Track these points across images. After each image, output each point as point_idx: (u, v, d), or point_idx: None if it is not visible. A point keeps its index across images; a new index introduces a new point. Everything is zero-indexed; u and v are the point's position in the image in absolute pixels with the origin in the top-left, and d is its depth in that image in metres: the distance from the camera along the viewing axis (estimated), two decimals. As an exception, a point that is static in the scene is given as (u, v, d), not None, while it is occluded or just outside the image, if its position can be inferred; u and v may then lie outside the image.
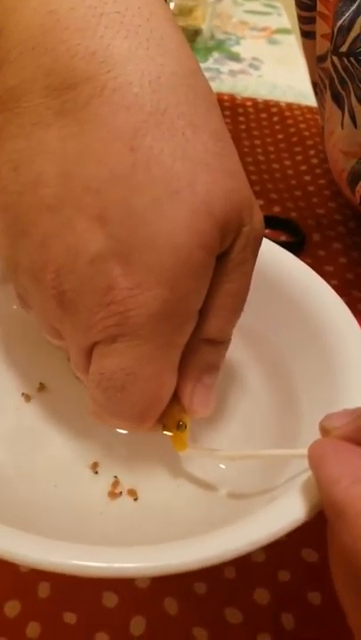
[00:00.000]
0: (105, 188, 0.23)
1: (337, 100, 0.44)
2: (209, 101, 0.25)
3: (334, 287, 0.33)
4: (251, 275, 0.27)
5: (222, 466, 0.30)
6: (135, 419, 0.27)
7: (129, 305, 0.24)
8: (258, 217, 0.26)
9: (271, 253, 0.33)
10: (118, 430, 0.30)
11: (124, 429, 0.29)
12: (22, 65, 0.25)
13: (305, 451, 0.23)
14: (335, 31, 0.40)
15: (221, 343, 0.27)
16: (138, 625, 0.28)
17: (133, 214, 0.23)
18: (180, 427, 0.28)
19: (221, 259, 0.25)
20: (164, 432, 0.28)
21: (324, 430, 0.24)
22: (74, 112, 0.24)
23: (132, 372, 0.25)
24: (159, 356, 0.25)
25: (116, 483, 0.29)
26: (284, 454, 0.27)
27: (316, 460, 0.22)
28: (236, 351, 0.28)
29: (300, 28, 0.51)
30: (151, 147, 0.23)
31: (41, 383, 0.33)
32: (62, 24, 0.24)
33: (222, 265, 0.26)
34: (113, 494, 0.29)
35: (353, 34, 0.39)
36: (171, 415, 0.27)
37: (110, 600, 0.29)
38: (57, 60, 0.24)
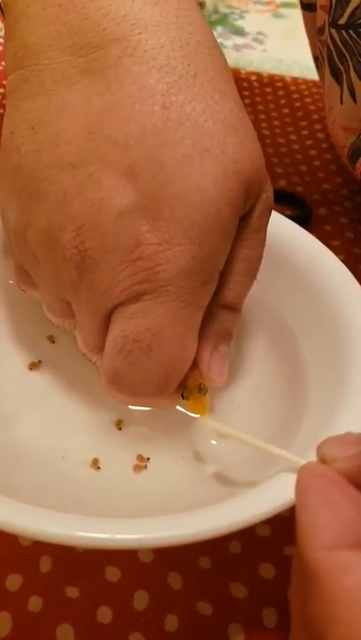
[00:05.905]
0: (135, 143, 0.23)
1: (336, 75, 0.43)
2: (228, 71, 0.26)
3: (341, 261, 0.32)
4: (265, 242, 0.27)
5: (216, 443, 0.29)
6: (158, 384, 0.26)
7: (157, 260, 0.23)
8: (271, 187, 0.27)
9: (278, 225, 0.33)
10: (131, 408, 0.29)
11: (141, 402, 0.28)
12: (45, 21, 0.25)
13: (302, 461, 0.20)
14: (333, 2, 0.39)
15: (236, 310, 0.27)
16: (141, 599, 0.28)
17: (164, 169, 0.23)
18: (201, 389, 0.27)
19: (240, 223, 0.26)
20: (179, 407, 0.28)
21: (323, 460, 0.20)
22: (101, 71, 0.24)
23: (158, 330, 0.24)
24: (185, 316, 0.25)
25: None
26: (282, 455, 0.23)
27: (302, 492, 0.19)
28: (243, 321, 0.28)
29: (301, 1, 0.50)
30: (183, 105, 0.23)
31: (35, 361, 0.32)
32: None
33: (241, 230, 0.26)
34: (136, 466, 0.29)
35: (352, 4, 0.38)
36: (189, 381, 0.27)
37: (113, 574, 0.28)
38: (86, 19, 0.24)
